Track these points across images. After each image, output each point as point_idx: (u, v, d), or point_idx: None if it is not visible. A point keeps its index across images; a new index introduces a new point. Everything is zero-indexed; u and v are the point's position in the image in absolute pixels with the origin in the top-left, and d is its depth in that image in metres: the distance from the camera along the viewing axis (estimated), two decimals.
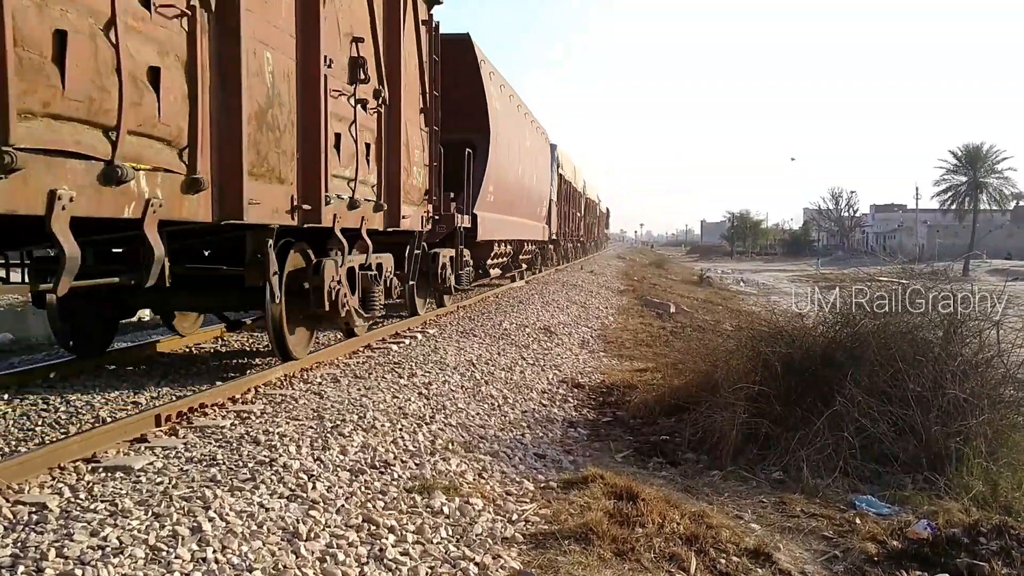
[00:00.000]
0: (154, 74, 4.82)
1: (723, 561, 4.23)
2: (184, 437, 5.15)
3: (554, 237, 26.37)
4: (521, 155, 17.85)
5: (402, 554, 3.73)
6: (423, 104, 10.41)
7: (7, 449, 5.13)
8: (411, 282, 10.85)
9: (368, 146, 8.37)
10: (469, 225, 13.23)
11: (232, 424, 5.45)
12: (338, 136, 7.43)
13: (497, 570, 3.73)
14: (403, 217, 9.53)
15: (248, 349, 9.41)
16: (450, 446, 5.56)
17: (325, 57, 6.99)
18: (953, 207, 72.22)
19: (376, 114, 8.58)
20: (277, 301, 7.14)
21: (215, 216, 5.71)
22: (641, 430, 6.97)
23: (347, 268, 8.16)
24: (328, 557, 3.56)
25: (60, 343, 8.06)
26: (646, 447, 6.50)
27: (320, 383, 6.93)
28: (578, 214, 36.58)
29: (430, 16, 10.60)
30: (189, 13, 5.15)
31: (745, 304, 20.73)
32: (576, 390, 8.42)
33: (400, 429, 5.68)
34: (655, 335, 13.23)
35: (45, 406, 6.23)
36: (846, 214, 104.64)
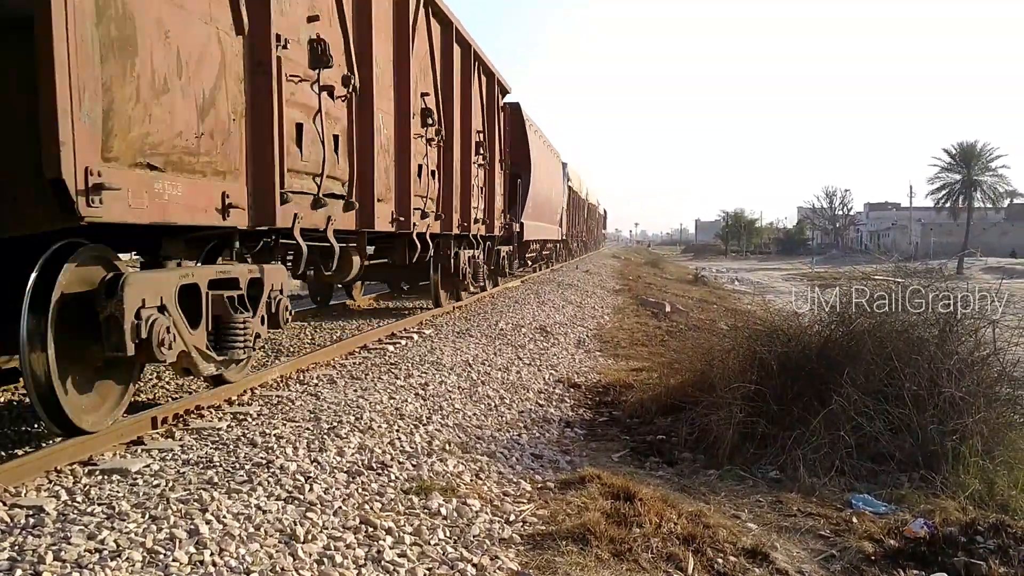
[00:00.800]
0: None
1: (721, 561, 4.24)
2: (181, 439, 5.14)
3: (564, 237, 32.68)
4: (546, 177, 24.05)
5: (400, 556, 3.72)
6: (501, 157, 16.52)
7: (3, 453, 5.11)
8: (491, 267, 16.76)
9: (481, 188, 14.64)
10: (518, 230, 19.02)
11: (229, 426, 5.45)
12: (472, 185, 13.45)
13: (495, 571, 3.73)
14: (495, 226, 15.79)
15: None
16: (447, 447, 5.55)
17: (472, 146, 13.36)
18: (947, 205, 72.33)
19: (483, 169, 14.73)
20: (437, 274, 12.84)
21: (441, 230, 11.71)
22: (638, 429, 6.97)
23: (467, 256, 13.68)
24: (326, 559, 3.55)
25: (311, 298, 13.83)
26: (643, 446, 6.50)
27: (316, 384, 6.92)
28: (582, 218, 44.14)
29: (505, 102, 17.00)
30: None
31: (740, 303, 20.74)
32: (573, 390, 8.42)
33: (397, 430, 5.68)
34: (651, 334, 13.24)
35: None
36: (840, 212, 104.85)
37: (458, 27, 12.14)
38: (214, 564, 3.35)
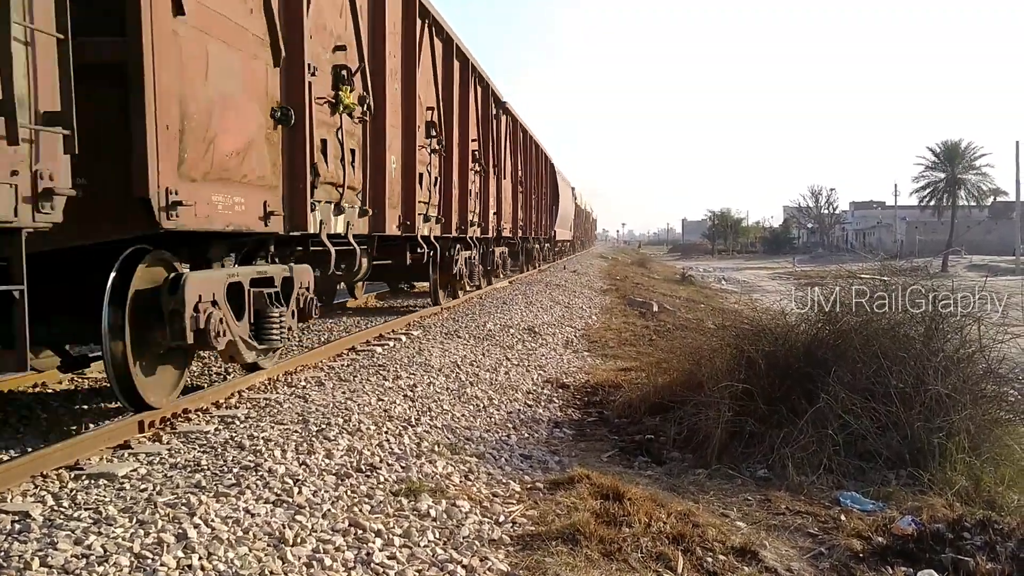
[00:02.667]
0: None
1: (710, 560, 4.25)
2: (168, 443, 5.11)
3: (571, 238, 47.00)
4: (565, 201, 36.47)
5: (389, 558, 3.72)
6: (551, 196, 30.73)
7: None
8: (541, 255, 28.61)
9: (542, 212, 28.23)
10: (553, 235, 32.07)
11: (216, 429, 5.42)
12: (544, 213, 27.49)
13: (485, 572, 3.73)
14: (548, 233, 29.96)
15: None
16: (436, 448, 5.54)
17: (550, 197, 31.05)
18: (932, 203, 72.72)
19: (543, 202, 28.11)
20: (523, 256, 25.73)
21: (540, 235, 28.51)
22: (626, 429, 6.97)
23: (535, 247, 26.99)
24: (315, 562, 3.54)
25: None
26: (631, 446, 6.51)
27: (304, 386, 6.90)
28: (582, 223, 59.63)
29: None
30: None
31: (727, 302, 20.80)
32: (561, 390, 8.42)
33: (386, 432, 5.67)
34: (638, 334, 13.25)
35: (27, 413, 6.16)
36: (826, 211, 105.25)
37: (555, 163, 30.14)
38: (202, 568, 3.33)
